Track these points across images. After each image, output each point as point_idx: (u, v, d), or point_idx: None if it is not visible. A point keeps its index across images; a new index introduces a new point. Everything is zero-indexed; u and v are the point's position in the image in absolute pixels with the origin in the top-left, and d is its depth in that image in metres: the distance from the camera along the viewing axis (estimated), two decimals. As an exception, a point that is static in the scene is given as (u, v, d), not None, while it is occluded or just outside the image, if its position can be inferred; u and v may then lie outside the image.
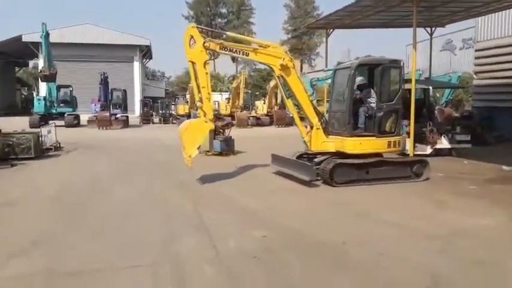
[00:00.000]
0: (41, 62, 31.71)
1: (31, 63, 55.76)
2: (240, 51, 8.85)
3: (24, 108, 45.22)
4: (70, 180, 8.74)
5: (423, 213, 6.73)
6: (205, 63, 8.46)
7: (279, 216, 6.44)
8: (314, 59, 68.42)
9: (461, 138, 13.33)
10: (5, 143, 11.66)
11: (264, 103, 30.09)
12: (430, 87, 13.95)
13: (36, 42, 33.84)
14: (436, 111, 14.33)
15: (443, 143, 12.83)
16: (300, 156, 9.63)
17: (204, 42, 8.35)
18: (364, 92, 9.26)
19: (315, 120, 9.11)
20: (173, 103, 35.86)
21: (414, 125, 12.02)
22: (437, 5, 14.05)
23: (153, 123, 31.28)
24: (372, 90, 9.03)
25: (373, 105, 8.87)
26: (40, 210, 6.94)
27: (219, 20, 68.27)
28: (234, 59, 67.50)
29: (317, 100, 16.52)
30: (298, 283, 4.17)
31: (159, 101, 36.26)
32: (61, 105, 26.51)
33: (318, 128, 9.07)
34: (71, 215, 6.65)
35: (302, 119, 9.70)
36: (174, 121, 30.42)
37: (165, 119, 31.96)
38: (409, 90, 12.49)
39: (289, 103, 9.69)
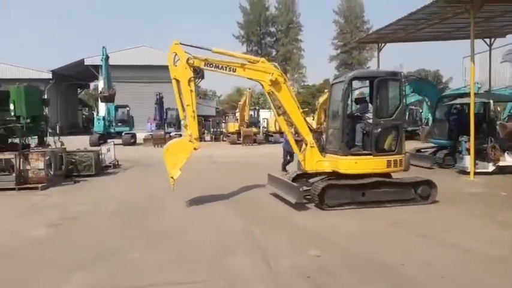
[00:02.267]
0: (100, 84, 33.60)
1: (92, 85, 59.30)
2: (226, 68, 8.32)
3: (85, 127, 47.99)
4: (128, 197, 9.12)
5: (485, 234, 6.34)
6: (189, 81, 8.10)
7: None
8: (365, 74, 67.23)
9: (526, 155, 12.47)
10: (69, 160, 12.43)
11: (313, 119, 29.85)
12: (491, 101, 13.24)
13: (96, 65, 36.05)
14: (497, 127, 13.55)
15: (507, 160, 12.05)
16: (298, 176, 9.02)
17: (188, 59, 8.04)
18: (360, 107, 8.70)
19: (308, 137, 8.46)
20: (223, 121, 36.56)
21: (474, 141, 11.47)
22: (496, 15, 13.47)
23: (205, 140, 31.97)
24: (370, 105, 8.43)
25: (371, 121, 8.26)
26: (100, 225, 7.29)
27: (269, 38, 69.27)
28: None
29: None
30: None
31: (211, 119, 37.10)
32: (119, 124, 27.81)
33: (312, 146, 8.39)
34: (128, 230, 6.93)
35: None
36: (225, 138, 30.96)
37: (216, 137, 32.60)
38: (468, 105, 11.96)
39: (281, 120, 9.00)
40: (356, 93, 8.89)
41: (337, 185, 7.96)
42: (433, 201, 8.22)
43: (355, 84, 8.98)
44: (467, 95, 12.76)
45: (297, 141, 8.91)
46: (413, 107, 30.72)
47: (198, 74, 8.28)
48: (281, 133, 21.69)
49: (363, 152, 8.18)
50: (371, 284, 4.49)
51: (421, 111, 30.43)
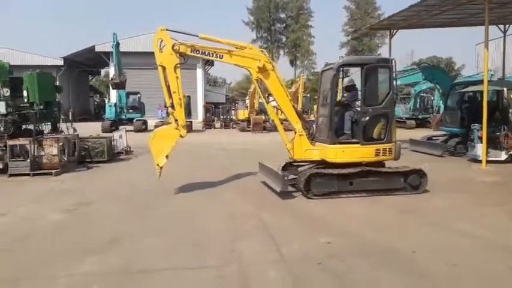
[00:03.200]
0: (111, 71, 33.79)
1: (103, 71, 59.67)
2: (213, 54, 8.20)
3: (97, 114, 48.38)
4: (140, 182, 9.25)
5: (496, 223, 6.35)
6: (175, 67, 8.00)
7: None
8: (376, 61, 66.55)
9: (540, 144, 12.32)
10: (82, 147, 12.61)
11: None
12: (505, 89, 13.06)
13: (107, 51, 36.21)
14: (510, 115, 13.38)
15: (520, 149, 11.92)
16: (288, 165, 8.86)
17: (174, 45, 7.91)
18: (349, 95, 8.55)
19: (297, 125, 8.30)
20: (233, 108, 36.58)
21: (486, 129, 11.36)
22: (511, 1, 13.15)
23: (215, 128, 32.10)
24: (360, 93, 8.25)
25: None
26: (113, 210, 7.43)
27: (278, 24, 68.66)
28: (292, 63, 67.75)
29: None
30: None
31: (220, 107, 37.16)
32: (130, 111, 27.96)
33: (300, 135, 8.24)
34: (141, 215, 7.05)
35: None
36: (234, 126, 31.03)
37: (226, 124, 32.67)
38: (481, 93, 11.81)
39: (269, 108, 8.88)
40: (345, 81, 8.76)
41: (324, 174, 7.81)
42: (423, 191, 8.09)
43: (356, 73, 8.81)
44: (480, 82, 12.60)
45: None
46: (424, 95, 30.42)
47: (185, 60, 8.21)
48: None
49: (350, 140, 8.08)
50: (383, 271, 4.54)
51: (432, 98, 30.11)
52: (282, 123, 8.90)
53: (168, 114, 27.46)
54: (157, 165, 8.22)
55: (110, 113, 27.58)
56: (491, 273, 4.50)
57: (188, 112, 30.20)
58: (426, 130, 22.93)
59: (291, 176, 8.26)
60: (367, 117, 7.95)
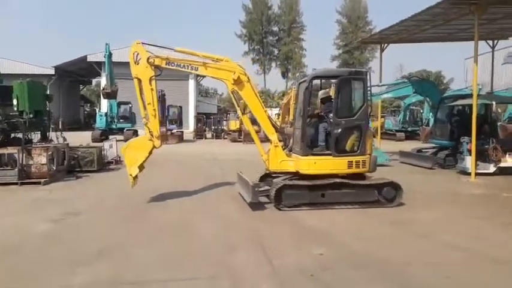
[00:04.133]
0: (103, 80, 33.62)
1: (94, 81, 59.35)
2: (188, 66, 8.36)
3: (87, 123, 48.05)
4: (130, 192, 9.12)
5: (487, 235, 6.37)
6: (150, 79, 8.19)
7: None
8: (366, 74, 67.36)
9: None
10: (71, 156, 12.47)
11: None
12: (494, 103, 13.26)
13: (99, 61, 36.08)
14: (499, 128, 13.59)
15: (508, 161, 12.08)
16: (266, 176, 8.83)
17: (148, 58, 8.10)
18: (324, 107, 8.57)
19: (273, 137, 8.31)
20: (225, 119, 36.62)
21: (476, 142, 11.49)
22: (499, 17, 13.49)
23: (206, 138, 32.06)
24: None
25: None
26: (103, 220, 7.33)
27: (271, 37, 69.31)
28: (284, 75, 68.21)
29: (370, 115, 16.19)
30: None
31: (212, 117, 37.23)
32: (121, 120, 27.87)
33: (276, 146, 8.24)
34: (131, 225, 6.96)
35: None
36: (226, 136, 31.03)
37: (217, 134, 32.68)
38: (470, 106, 11.98)
39: (245, 119, 8.96)
40: (320, 93, 8.77)
41: (295, 186, 7.79)
42: (398, 204, 7.99)
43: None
44: (469, 96, 12.78)
45: None
46: (414, 108, 30.77)
47: (160, 73, 8.34)
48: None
49: (323, 152, 8.04)
50: (375, 282, 4.52)
51: (421, 111, 30.47)
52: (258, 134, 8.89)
53: (159, 123, 27.31)
54: (130, 175, 8.30)
55: (100, 122, 27.44)
56: (482, 284, 4.51)
57: (179, 122, 30.25)
58: (415, 142, 23.14)
59: (266, 187, 8.23)
60: (340, 129, 7.91)
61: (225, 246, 5.77)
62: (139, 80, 8.26)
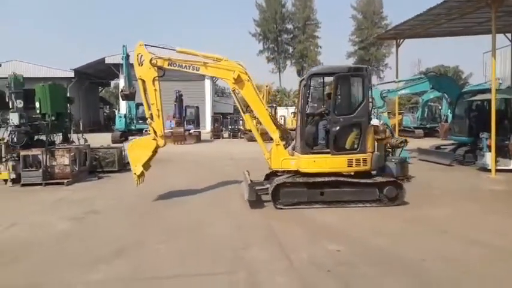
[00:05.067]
0: (121, 82, 34.14)
1: (112, 83, 60.29)
2: (189, 66, 8.51)
3: (106, 125, 48.85)
4: (149, 191, 9.35)
5: (506, 231, 6.32)
6: (153, 80, 8.42)
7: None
8: (383, 71, 66.79)
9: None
10: (93, 157, 12.79)
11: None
12: (513, 97, 13.02)
13: (117, 63, 36.60)
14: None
15: (529, 157, 11.86)
16: (271, 174, 8.82)
17: (151, 59, 8.34)
18: (327, 104, 8.54)
19: (275, 135, 8.34)
20: (241, 119, 36.75)
21: (495, 138, 11.33)
22: (518, 9, 13.20)
23: (223, 138, 32.26)
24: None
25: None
26: (123, 219, 7.54)
27: (285, 35, 69.15)
28: (299, 73, 68.01)
29: (388, 113, 16.07)
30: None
31: (228, 117, 37.38)
32: (140, 122, 28.24)
33: (277, 144, 8.27)
34: (150, 223, 7.15)
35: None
36: (242, 136, 31.15)
37: (234, 134, 32.83)
38: (489, 101, 11.80)
39: (247, 118, 9.04)
40: (327, 89, 8.73)
41: (293, 184, 7.75)
42: (401, 203, 7.85)
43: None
44: (488, 91, 12.59)
45: None
46: (432, 104, 30.34)
47: (163, 74, 8.57)
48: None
49: (322, 150, 7.99)
50: (392, 278, 4.57)
51: (440, 107, 30.02)
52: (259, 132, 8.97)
53: (176, 124, 27.72)
54: (135, 173, 8.52)
55: (119, 123, 27.90)
56: (501, 279, 4.51)
57: (197, 122, 30.55)
58: (434, 139, 22.88)
59: (267, 185, 8.26)
60: (338, 127, 7.84)
61: (241, 243, 5.88)
62: (143, 81, 8.53)
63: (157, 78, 8.48)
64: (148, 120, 8.71)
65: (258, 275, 4.74)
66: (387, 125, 14.45)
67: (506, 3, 11.41)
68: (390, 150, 10.94)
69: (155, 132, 8.56)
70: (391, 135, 11.26)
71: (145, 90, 8.57)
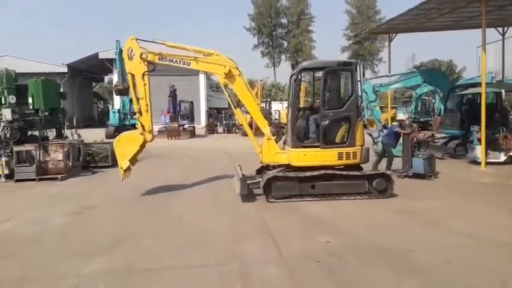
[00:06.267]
0: (115, 77, 33.97)
1: (106, 78, 60.01)
2: (180, 61, 8.51)
3: (100, 120, 48.69)
4: (144, 186, 9.43)
5: (494, 222, 6.47)
6: (143, 75, 8.44)
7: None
8: (377, 65, 66.94)
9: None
10: (86, 152, 12.81)
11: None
12: (502, 91, 13.17)
13: (111, 59, 36.39)
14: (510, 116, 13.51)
15: (519, 150, 12.02)
16: (263, 168, 8.87)
17: (142, 54, 8.35)
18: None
19: (266, 130, 8.40)
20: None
21: (485, 131, 11.47)
22: (508, 3, 13.32)
23: (217, 133, 32.30)
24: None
25: None
26: (117, 213, 7.62)
27: (280, 30, 69.04)
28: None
29: (380, 107, 16.19)
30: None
31: (223, 112, 37.38)
32: (133, 117, 28.11)
33: (269, 139, 8.31)
34: (144, 217, 7.22)
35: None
36: (237, 131, 31.20)
37: (229, 129, 32.87)
38: (480, 95, 11.94)
39: (238, 113, 9.11)
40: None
41: (284, 177, 7.83)
42: (390, 195, 7.95)
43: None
44: (479, 84, 12.72)
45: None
46: (425, 98, 30.48)
47: (153, 68, 8.60)
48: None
49: (312, 144, 8.07)
50: (379, 268, 4.68)
51: (433, 101, 30.17)
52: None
53: (170, 119, 27.71)
54: (121, 168, 8.55)
55: (113, 119, 27.86)
56: (483, 267, 4.64)
57: (191, 117, 30.53)
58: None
59: (259, 179, 8.32)
60: (327, 121, 7.93)
61: (234, 235, 6.00)
62: (133, 76, 8.52)
63: (147, 73, 8.48)
64: (137, 115, 8.73)
65: (249, 266, 4.84)
66: (379, 120, 14.59)
67: (497, -3, 11.52)
68: (416, 145, 10.68)
69: (143, 127, 8.58)
70: (418, 129, 11.05)
71: (134, 84, 8.58)
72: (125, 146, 8.67)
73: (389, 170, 9.74)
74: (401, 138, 10.35)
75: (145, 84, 8.51)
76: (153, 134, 8.86)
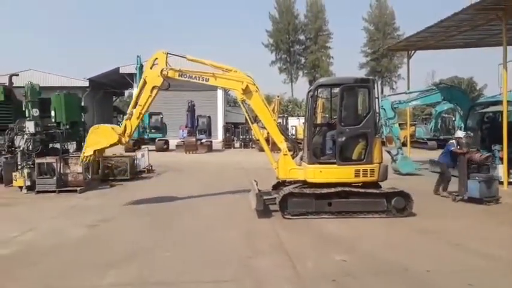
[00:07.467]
0: (135, 92, 34.74)
1: (126, 92, 61.23)
2: (199, 77, 8.68)
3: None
4: (161, 200, 9.51)
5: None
6: (153, 87, 8.64)
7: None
8: (395, 81, 66.52)
9: None
10: (105, 165, 13.02)
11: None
12: (525, 109, 12.89)
13: (131, 73, 37.23)
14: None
15: (544, 170, 11.69)
16: (279, 184, 8.87)
17: (162, 70, 8.53)
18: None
19: (282, 145, 8.41)
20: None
21: (507, 150, 11.23)
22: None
23: (234, 147, 32.44)
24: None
25: None
26: (134, 226, 7.67)
27: (297, 46, 69.48)
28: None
29: (399, 124, 16.04)
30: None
31: (240, 127, 37.55)
32: (152, 131, 28.64)
33: (285, 154, 8.32)
34: (160, 230, 7.26)
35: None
36: (253, 146, 31.26)
37: (245, 144, 32.98)
38: (501, 113, 11.74)
39: (255, 128, 9.17)
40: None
41: (301, 194, 7.76)
42: (409, 214, 7.77)
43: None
44: (500, 102, 12.52)
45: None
46: (446, 115, 30.06)
47: (168, 86, 8.80)
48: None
49: (329, 160, 8.01)
50: (394, 288, 4.60)
51: (454, 119, 29.71)
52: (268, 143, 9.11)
53: (188, 133, 27.96)
54: (83, 153, 8.84)
55: (132, 132, 28.23)
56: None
57: (208, 132, 30.80)
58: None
59: (275, 195, 8.30)
60: (344, 137, 7.89)
61: (248, 251, 5.97)
62: (145, 83, 8.72)
63: (157, 87, 8.68)
64: (127, 116, 8.88)
65: (263, 283, 4.80)
66: (398, 137, 14.40)
67: (517, 15, 11.38)
68: (476, 166, 9.83)
69: (125, 130, 8.75)
70: (476, 150, 10.49)
71: (141, 90, 8.78)
72: (99, 136, 8.83)
73: (445, 191, 9.47)
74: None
75: (150, 96, 8.76)
76: (130, 141, 9.14)
